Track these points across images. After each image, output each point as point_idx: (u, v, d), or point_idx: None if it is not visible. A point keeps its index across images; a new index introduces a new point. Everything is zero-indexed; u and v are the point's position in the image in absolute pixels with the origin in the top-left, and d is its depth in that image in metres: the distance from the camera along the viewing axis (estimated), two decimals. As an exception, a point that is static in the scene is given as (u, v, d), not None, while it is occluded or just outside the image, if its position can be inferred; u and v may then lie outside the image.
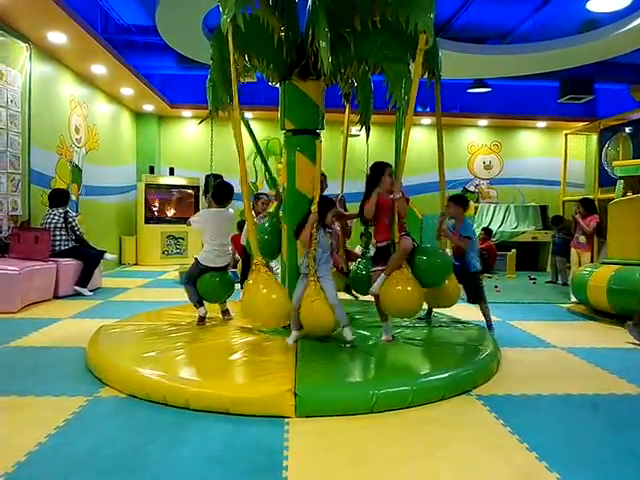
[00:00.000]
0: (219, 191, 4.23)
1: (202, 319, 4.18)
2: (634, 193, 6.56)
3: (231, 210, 4.33)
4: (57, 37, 6.35)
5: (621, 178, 6.78)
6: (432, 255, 3.79)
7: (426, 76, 3.99)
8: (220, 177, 5.26)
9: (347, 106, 4.86)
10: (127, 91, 9.07)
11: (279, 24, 3.80)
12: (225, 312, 4.42)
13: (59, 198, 6.50)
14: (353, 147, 4.09)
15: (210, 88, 4.11)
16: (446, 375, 3.06)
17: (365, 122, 4.62)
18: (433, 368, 3.21)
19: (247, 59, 3.81)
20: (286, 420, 2.62)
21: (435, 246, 4.14)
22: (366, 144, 4.52)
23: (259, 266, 3.55)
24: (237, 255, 6.17)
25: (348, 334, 3.57)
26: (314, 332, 3.64)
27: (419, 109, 10.12)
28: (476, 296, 4.51)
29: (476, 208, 10.71)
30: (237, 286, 4.46)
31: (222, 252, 4.17)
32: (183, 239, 10.27)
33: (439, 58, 4.00)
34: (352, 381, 3.03)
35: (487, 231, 9.71)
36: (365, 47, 3.87)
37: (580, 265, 6.78)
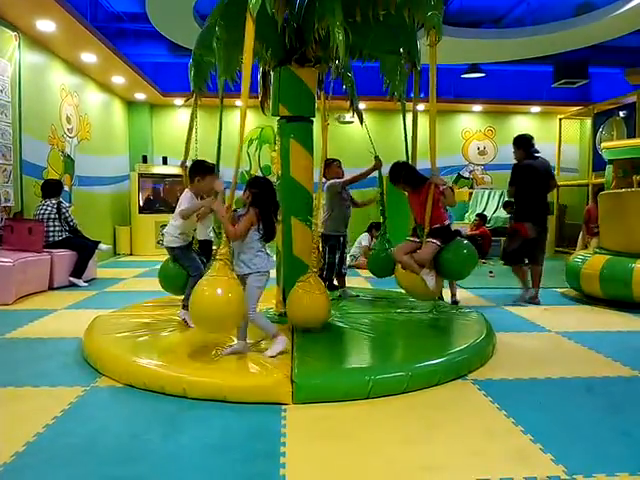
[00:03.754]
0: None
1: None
2: (624, 176, 6.50)
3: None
4: (46, 25, 6.25)
5: (610, 162, 6.64)
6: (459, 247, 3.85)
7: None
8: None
9: (321, 93, 4.76)
10: (118, 80, 8.97)
11: (284, 9, 3.76)
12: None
13: (52, 189, 6.44)
14: (353, 133, 4.06)
15: (193, 69, 4.04)
16: (441, 360, 3.08)
17: (356, 108, 4.59)
18: (428, 353, 3.23)
19: None
20: (283, 407, 2.64)
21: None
22: (364, 128, 4.47)
23: (223, 261, 2.92)
24: None
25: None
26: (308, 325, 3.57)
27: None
28: None
29: (470, 194, 10.71)
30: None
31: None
32: (178, 228, 10.21)
33: (418, 50, 4.08)
34: (348, 367, 3.05)
35: (481, 217, 9.72)
36: (362, 39, 3.86)
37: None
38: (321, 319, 3.57)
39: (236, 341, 3.21)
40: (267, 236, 3.08)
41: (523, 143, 5.28)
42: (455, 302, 5.08)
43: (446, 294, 5.18)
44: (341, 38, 3.30)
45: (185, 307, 3.84)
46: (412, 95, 4.23)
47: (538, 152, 5.16)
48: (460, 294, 5.73)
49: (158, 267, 4.23)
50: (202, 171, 3.75)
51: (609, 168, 6.64)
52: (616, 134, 9.46)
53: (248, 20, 2.97)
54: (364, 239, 8.14)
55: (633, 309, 5.00)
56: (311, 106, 4.03)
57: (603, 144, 7.00)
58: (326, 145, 3.79)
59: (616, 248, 5.36)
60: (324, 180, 4.97)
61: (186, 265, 3.86)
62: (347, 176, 4.93)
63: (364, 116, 4.70)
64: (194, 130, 4.11)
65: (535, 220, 5.14)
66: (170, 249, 3.90)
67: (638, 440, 2.31)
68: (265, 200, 3.07)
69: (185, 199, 3.78)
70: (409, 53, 4.08)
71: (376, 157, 4.48)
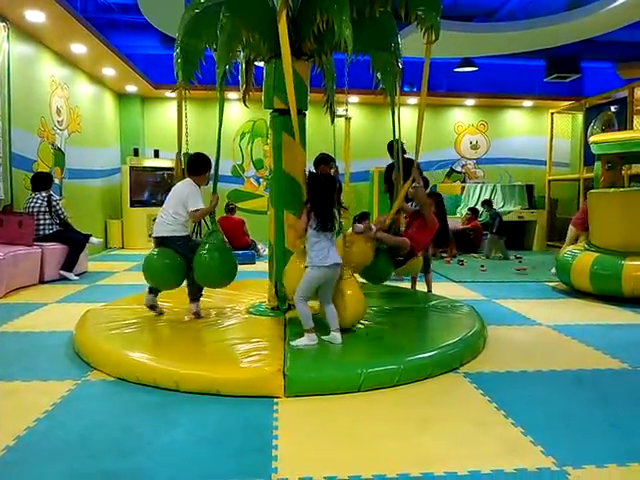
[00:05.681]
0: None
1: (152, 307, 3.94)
2: (612, 169, 6.44)
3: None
4: (35, 16, 6.17)
5: (598, 158, 6.56)
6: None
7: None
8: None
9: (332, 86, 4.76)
10: (109, 72, 8.88)
11: (287, 2, 3.73)
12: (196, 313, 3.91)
13: (42, 182, 6.39)
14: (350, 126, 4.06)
15: (181, 58, 3.96)
16: (433, 353, 3.10)
17: (331, 104, 4.57)
18: (420, 346, 3.25)
19: (251, 35, 3.68)
20: (275, 400, 2.64)
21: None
22: (331, 125, 4.44)
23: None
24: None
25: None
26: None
27: (406, 88, 10.06)
28: (428, 267, 5.31)
29: (463, 188, 10.75)
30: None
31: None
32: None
33: (400, 46, 4.12)
34: (340, 361, 3.05)
35: (473, 211, 9.75)
36: (356, 34, 3.85)
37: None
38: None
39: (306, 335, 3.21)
40: (322, 226, 3.20)
41: (391, 146, 5.62)
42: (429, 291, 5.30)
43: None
44: (348, 33, 3.29)
45: (194, 300, 3.86)
46: (406, 89, 4.26)
47: (405, 152, 5.47)
48: (452, 288, 5.77)
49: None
50: (207, 167, 3.99)
51: (598, 163, 6.61)
52: (607, 129, 9.50)
53: (281, 10, 2.96)
54: None
55: (622, 303, 5.06)
56: (304, 99, 4.01)
57: (591, 138, 6.94)
58: (349, 139, 3.87)
59: (605, 246, 5.44)
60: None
61: (189, 255, 3.75)
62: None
63: (356, 111, 4.69)
64: (184, 122, 4.07)
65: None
66: (176, 238, 3.80)
67: (627, 431, 2.34)
68: (316, 193, 3.27)
69: (196, 193, 3.84)
70: (392, 48, 4.09)
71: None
